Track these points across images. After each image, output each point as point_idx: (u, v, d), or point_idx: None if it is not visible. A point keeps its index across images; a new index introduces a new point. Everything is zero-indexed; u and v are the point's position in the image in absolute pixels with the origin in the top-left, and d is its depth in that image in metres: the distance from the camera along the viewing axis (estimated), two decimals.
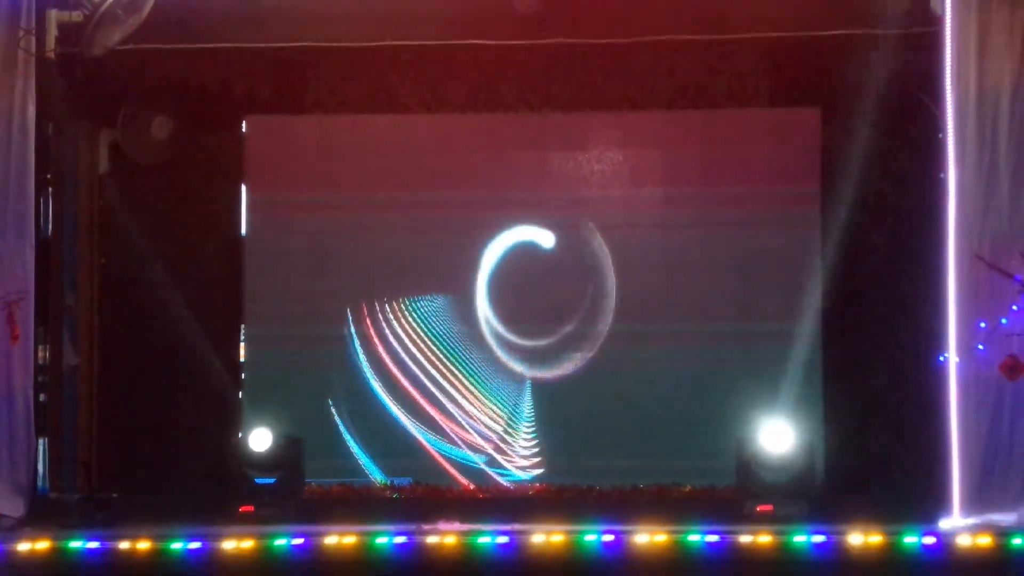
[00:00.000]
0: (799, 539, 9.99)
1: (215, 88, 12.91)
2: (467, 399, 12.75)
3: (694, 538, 10.01)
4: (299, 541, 10.18)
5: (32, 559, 10.13)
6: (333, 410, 12.70)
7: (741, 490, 11.65)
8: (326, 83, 13.00)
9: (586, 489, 12.44)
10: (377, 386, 12.76)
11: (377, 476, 12.64)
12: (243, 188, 12.96)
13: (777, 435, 11.64)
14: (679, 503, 12.00)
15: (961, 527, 10.49)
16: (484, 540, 10.11)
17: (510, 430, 12.71)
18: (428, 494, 12.43)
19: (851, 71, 12.40)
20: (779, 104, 12.75)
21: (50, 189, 12.04)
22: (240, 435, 12.31)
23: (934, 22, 11.19)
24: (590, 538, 10.04)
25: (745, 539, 10.02)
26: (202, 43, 12.30)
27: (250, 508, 11.67)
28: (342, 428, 12.69)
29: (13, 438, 11.28)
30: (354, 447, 12.68)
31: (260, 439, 11.91)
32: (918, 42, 11.48)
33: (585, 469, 12.53)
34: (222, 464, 12.09)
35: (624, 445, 12.50)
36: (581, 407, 12.63)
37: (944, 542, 9.96)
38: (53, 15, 11.95)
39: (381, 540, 10.10)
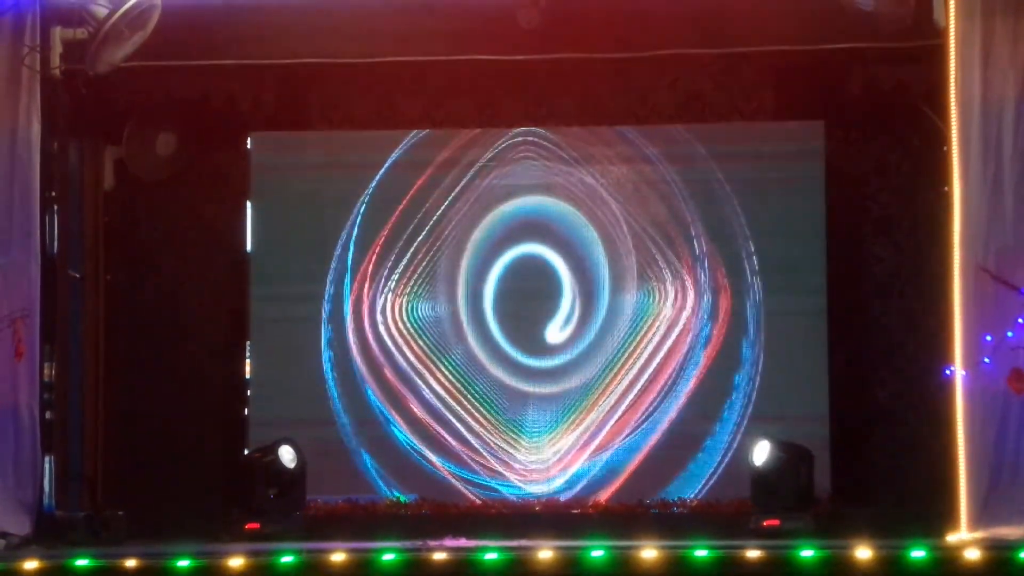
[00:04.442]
0: (806, 553, 9.96)
1: (220, 104, 12.92)
2: (471, 413, 12.73)
3: (700, 553, 9.98)
4: (306, 558, 10.17)
5: None
6: (338, 427, 12.69)
7: (752, 504, 11.61)
8: (331, 99, 13.02)
9: (591, 504, 12.43)
10: (382, 402, 12.75)
11: (384, 493, 12.61)
12: (248, 204, 12.97)
13: (782, 449, 11.62)
14: (684, 518, 11.98)
15: (968, 541, 10.46)
16: (490, 556, 10.09)
17: (514, 446, 12.69)
18: (434, 510, 12.41)
19: (855, 84, 12.42)
20: (783, 117, 12.75)
21: (55, 206, 12.05)
22: (252, 451, 12.31)
23: (937, 34, 11.18)
24: (596, 554, 10.02)
25: (752, 554, 9.99)
26: (206, 60, 12.32)
27: (256, 525, 11.66)
28: (347, 444, 12.67)
29: (19, 455, 11.28)
30: (359, 464, 12.66)
31: (287, 455, 11.88)
32: (921, 54, 11.46)
33: (589, 484, 12.53)
34: (228, 481, 12.08)
35: (628, 460, 12.50)
36: (584, 421, 12.62)
37: (951, 556, 9.93)
38: (57, 32, 11.96)
39: (387, 557, 10.08)
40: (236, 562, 10.06)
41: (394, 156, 12.81)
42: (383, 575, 10.04)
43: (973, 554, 9.89)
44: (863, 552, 9.88)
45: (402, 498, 12.55)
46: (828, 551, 9.97)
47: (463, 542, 10.70)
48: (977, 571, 9.83)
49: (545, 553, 10.04)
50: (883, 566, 9.87)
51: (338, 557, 10.10)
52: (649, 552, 9.96)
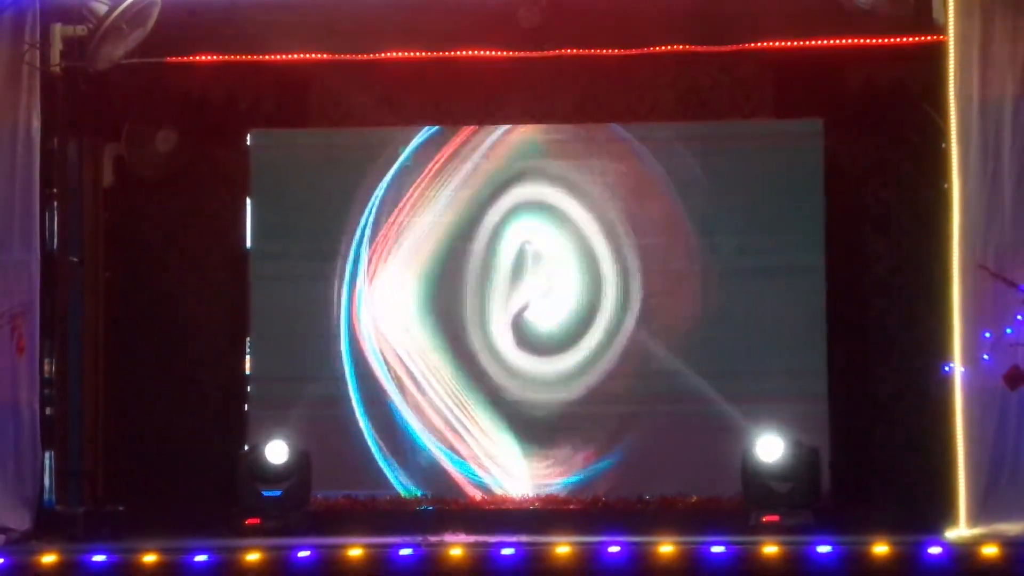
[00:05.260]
0: (806, 550, 9.97)
1: (219, 101, 12.90)
2: (473, 411, 12.74)
3: (701, 549, 10.00)
4: (306, 553, 10.19)
5: (38, 572, 10.13)
6: (338, 423, 12.68)
7: (746, 501, 11.64)
8: (330, 96, 13.02)
9: (591, 500, 12.44)
10: (384, 399, 12.75)
11: (396, 487, 12.60)
12: (248, 201, 12.97)
13: (782, 446, 11.64)
14: (685, 514, 11.99)
15: (968, 537, 10.48)
16: (490, 552, 10.10)
17: (514, 442, 12.70)
18: (434, 506, 12.42)
19: (854, 81, 12.42)
20: (782, 115, 12.75)
21: (55, 203, 12.06)
22: (247, 448, 12.32)
23: (937, 32, 11.21)
24: (596, 549, 10.02)
25: (752, 550, 10.01)
26: (206, 57, 12.34)
27: (256, 520, 11.67)
28: (348, 440, 12.66)
29: (19, 451, 11.31)
30: (361, 459, 12.65)
31: (276, 451, 11.92)
32: (921, 52, 11.49)
33: (590, 480, 12.55)
34: (228, 477, 12.09)
35: (630, 456, 12.52)
36: (585, 418, 12.64)
37: (950, 552, 9.95)
38: (58, 29, 11.98)
39: (388, 552, 10.09)
40: (238, 557, 10.09)
41: (398, 158, 12.83)
42: (384, 570, 10.06)
43: (972, 550, 9.93)
44: (863, 548, 9.90)
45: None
46: (828, 547, 9.98)
47: (463, 537, 10.71)
48: (976, 567, 9.87)
49: (545, 549, 10.04)
50: (883, 562, 9.91)
51: (339, 552, 10.12)
52: (650, 548, 9.98)
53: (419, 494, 12.51)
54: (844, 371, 12.35)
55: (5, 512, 11.15)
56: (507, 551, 10.11)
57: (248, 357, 12.82)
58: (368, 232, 12.84)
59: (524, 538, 10.49)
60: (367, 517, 12.06)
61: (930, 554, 9.91)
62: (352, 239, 12.84)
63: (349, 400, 12.72)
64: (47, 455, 11.61)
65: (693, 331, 12.57)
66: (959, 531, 10.60)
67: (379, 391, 12.75)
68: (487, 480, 12.66)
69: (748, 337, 12.46)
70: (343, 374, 12.76)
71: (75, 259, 12.43)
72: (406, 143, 12.85)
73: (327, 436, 12.53)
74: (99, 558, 10.18)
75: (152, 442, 12.63)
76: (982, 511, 10.60)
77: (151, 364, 12.79)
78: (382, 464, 12.64)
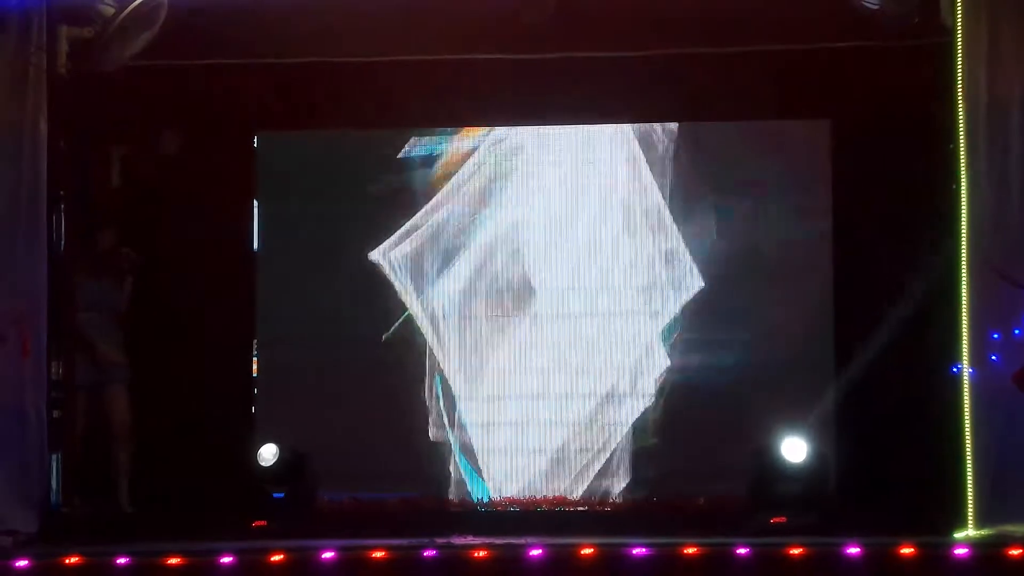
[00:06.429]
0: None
1: (226, 104, 12.92)
2: (477, 412, 12.75)
3: (707, 550, 9.99)
4: (313, 555, 10.19)
5: (44, 575, 10.14)
6: (345, 424, 12.68)
7: (753, 502, 11.63)
8: (337, 98, 13.03)
9: (598, 501, 12.44)
10: (390, 399, 12.75)
11: (387, 490, 12.62)
12: (255, 203, 12.99)
13: (789, 447, 11.63)
14: (691, 515, 11.98)
15: (976, 538, 10.47)
16: (496, 553, 10.09)
17: (518, 443, 12.70)
18: (438, 507, 12.43)
19: (861, 82, 12.43)
20: (788, 116, 12.75)
21: (62, 205, 12.06)
22: (253, 450, 12.31)
23: (944, 33, 11.20)
24: (615, 551, 10.01)
25: (759, 551, 10.00)
26: (213, 59, 12.36)
27: (263, 523, 11.67)
28: (355, 442, 12.66)
29: (26, 453, 11.29)
30: (367, 461, 12.65)
31: (280, 453, 11.92)
32: (928, 53, 11.48)
33: (597, 481, 12.54)
34: (235, 479, 12.09)
35: (636, 458, 12.52)
36: (589, 420, 12.63)
37: (958, 553, 9.93)
38: (64, 31, 11.98)
39: (394, 554, 10.09)
40: (245, 560, 10.09)
41: (403, 159, 12.85)
42: (390, 572, 10.06)
43: (981, 551, 9.91)
44: (869, 549, 9.89)
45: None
46: (835, 548, 9.96)
47: (470, 539, 10.70)
48: (984, 568, 9.85)
49: (551, 550, 10.04)
50: (890, 563, 9.89)
51: (345, 555, 10.12)
52: (655, 549, 9.98)
53: (418, 496, 12.51)
54: (850, 371, 12.35)
55: (12, 514, 11.14)
56: (515, 552, 10.08)
57: (255, 359, 12.84)
58: (373, 234, 12.86)
59: (531, 539, 10.46)
60: (373, 519, 12.05)
61: (937, 555, 9.88)
62: (356, 241, 12.85)
63: (356, 401, 12.72)
64: (54, 457, 11.59)
65: (696, 333, 12.57)
66: (967, 532, 10.58)
67: (387, 392, 12.75)
68: (493, 481, 12.65)
69: (754, 339, 12.47)
70: (350, 375, 12.76)
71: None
72: (411, 145, 12.88)
73: (334, 438, 12.52)
74: (105, 561, 10.15)
75: (159, 445, 12.63)
76: (990, 512, 10.58)
77: (158, 366, 12.78)
78: (388, 466, 12.65)
